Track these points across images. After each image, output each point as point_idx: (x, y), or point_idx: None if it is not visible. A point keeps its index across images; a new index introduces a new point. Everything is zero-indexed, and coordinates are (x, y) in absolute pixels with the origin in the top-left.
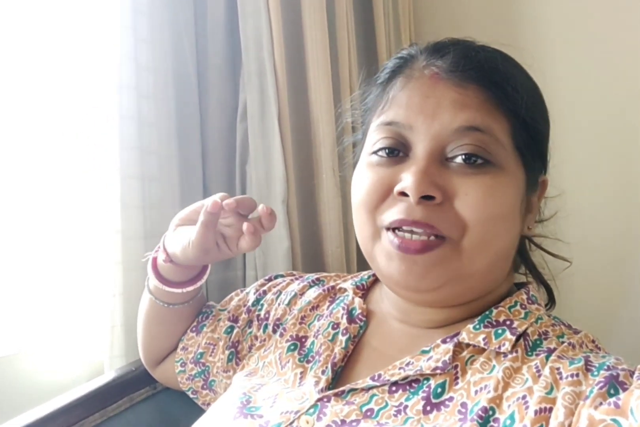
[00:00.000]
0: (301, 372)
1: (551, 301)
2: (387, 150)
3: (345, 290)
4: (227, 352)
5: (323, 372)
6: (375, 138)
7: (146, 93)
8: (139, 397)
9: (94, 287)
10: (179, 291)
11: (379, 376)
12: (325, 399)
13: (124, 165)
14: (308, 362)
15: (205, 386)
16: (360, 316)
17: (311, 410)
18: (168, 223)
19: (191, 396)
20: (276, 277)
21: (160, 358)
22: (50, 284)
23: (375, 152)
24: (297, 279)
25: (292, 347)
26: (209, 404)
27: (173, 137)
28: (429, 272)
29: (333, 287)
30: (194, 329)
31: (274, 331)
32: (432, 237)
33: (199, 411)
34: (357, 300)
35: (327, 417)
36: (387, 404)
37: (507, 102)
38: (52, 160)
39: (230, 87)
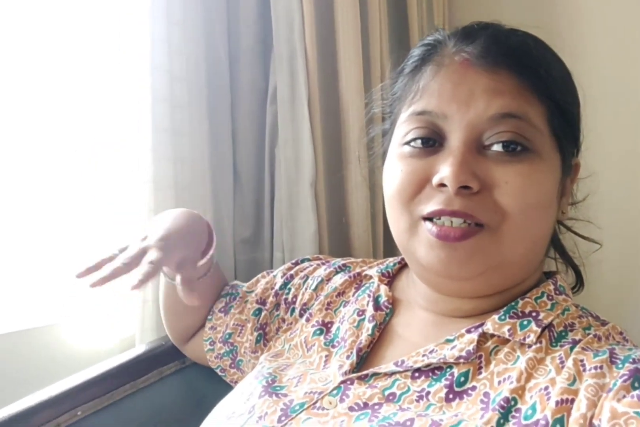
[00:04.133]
0: (326, 356)
1: (580, 284)
2: (422, 140)
3: (371, 277)
4: (255, 333)
5: (348, 357)
6: (407, 128)
7: (178, 76)
8: (168, 370)
9: None
10: None
11: (402, 362)
12: (348, 382)
13: (156, 147)
14: (333, 346)
15: (233, 365)
16: (386, 304)
17: (334, 391)
18: (199, 203)
19: (219, 373)
20: (302, 261)
21: (188, 336)
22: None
23: (407, 143)
24: (323, 264)
25: (317, 331)
26: (236, 382)
27: (204, 119)
28: (470, 259)
29: (359, 273)
30: (222, 309)
31: (301, 315)
32: (471, 225)
33: (225, 387)
34: (383, 287)
35: (349, 399)
36: (409, 389)
37: (542, 87)
38: (86, 141)
39: (261, 70)
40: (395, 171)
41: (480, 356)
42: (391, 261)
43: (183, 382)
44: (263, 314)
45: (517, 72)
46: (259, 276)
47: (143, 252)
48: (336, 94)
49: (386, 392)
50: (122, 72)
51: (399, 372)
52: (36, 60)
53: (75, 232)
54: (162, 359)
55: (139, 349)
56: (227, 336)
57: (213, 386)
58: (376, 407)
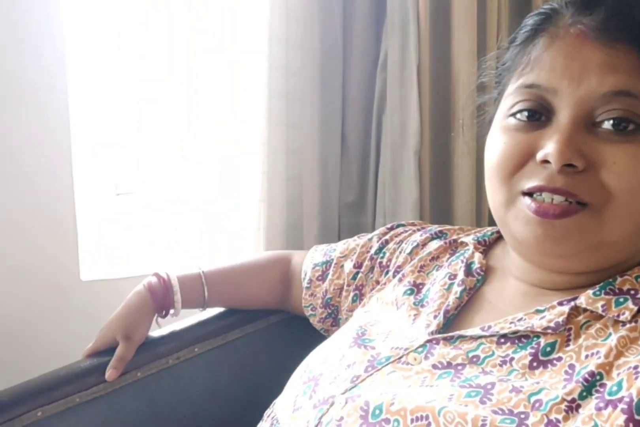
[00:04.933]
0: (415, 315)
1: None
2: (528, 113)
3: (467, 244)
4: (352, 294)
5: (435, 317)
6: (513, 100)
7: (294, 43)
8: (275, 319)
9: (240, 223)
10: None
11: (489, 327)
12: (434, 341)
13: (271, 113)
14: (422, 306)
15: (334, 324)
16: (478, 270)
17: (420, 349)
18: (308, 167)
19: (323, 333)
20: (397, 226)
21: (275, 306)
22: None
23: (513, 115)
24: (419, 230)
25: (408, 291)
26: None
27: (317, 85)
28: (566, 238)
29: (455, 240)
30: (319, 277)
31: (394, 276)
32: (572, 203)
33: (322, 338)
34: (477, 255)
35: (434, 357)
36: (493, 353)
37: None
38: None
39: (373, 38)
40: (498, 143)
41: (570, 329)
42: (489, 230)
43: (289, 329)
44: (359, 276)
45: (638, 48)
46: (350, 240)
47: None
48: (447, 61)
49: (470, 354)
50: (241, 41)
51: (485, 336)
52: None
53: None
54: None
55: None
56: (327, 300)
57: (317, 335)
58: (459, 367)
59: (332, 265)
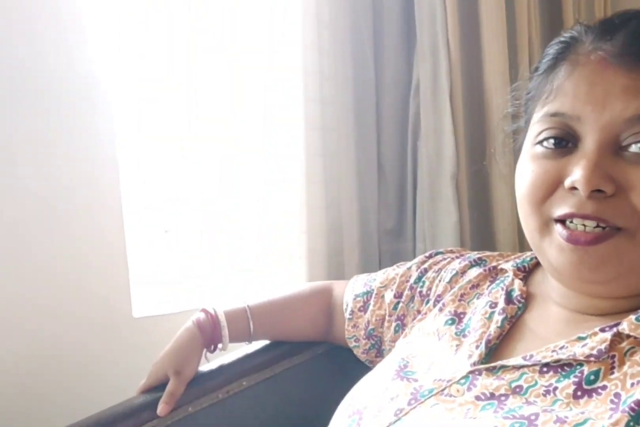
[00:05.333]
0: (457, 345)
1: None
2: (554, 141)
3: (506, 271)
4: (394, 324)
5: (477, 347)
6: (539, 129)
7: (328, 75)
8: (320, 350)
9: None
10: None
11: (531, 356)
12: (476, 372)
13: (308, 144)
14: (464, 336)
15: (378, 355)
16: (519, 298)
17: (462, 380)
18: (346, 195)
19: (368, 364)
20: (436, 254)
21: (319, 338)
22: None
23: (540, 143)
24: (457, 257)
25: (449, 321)
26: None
27: (351, 115)
28: (602, 264)
29: (494, 267)
30: (360, 308)
31: (434, 306)
32: (606, 228)
33: (367, 369)
34: (517, 282)
35: (476, 388)
36: (536, 383)
37: None
38: (242, 140)
39: (404, 65)
40: (527, 171)
41: (614, 356)
42: (528, 255)
43: (333, 361)
44: (400, 306)
45: None
46: (390, 269)
47: None
48: (479, 86)
49: (513, 384)
50: (276, 75)
51: (527, 366)
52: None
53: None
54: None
55: None
56: (370, 331)
57: (360, 367)
58: (502, 398)
59: (373, 295)
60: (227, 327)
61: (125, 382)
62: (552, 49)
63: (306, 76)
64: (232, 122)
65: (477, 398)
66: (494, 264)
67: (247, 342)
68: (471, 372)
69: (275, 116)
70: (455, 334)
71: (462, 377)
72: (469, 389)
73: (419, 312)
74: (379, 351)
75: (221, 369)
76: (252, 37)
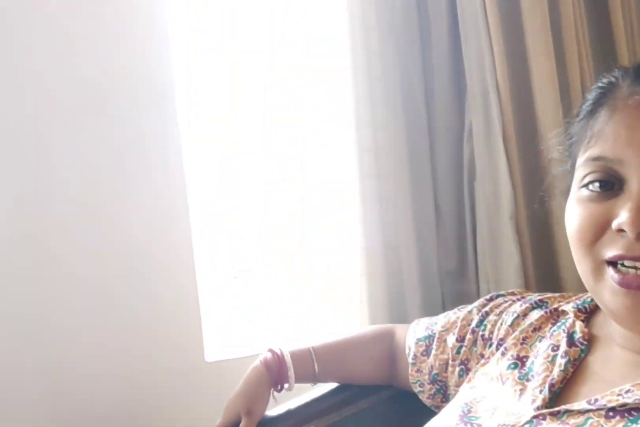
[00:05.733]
0: (520, 389)
1: None
2: (600, 184)
3: (567, 313)
4: (457, 369)
5: (540, 391)
6: (584, 172)
7: (381, 125)
8: (386, 394)
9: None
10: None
11: (596, 400)
12: (540, 417)
13: (364, 190)
14: (527, 380)
15: (444, 400)
16: (581, 340)
17: (526, 425)
18: (404, 239)
19: (434, 409)
20: (497, 296)
21: (384, 381)
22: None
23: (585, 186)
24: (519, 299)
25: (512, 365)
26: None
27: (405, 162)
28: None
29: (556, 309)
30: (423, 353)
31: (497, 349)
32: None
33: (434, 413)
34: (579, 324)
35: None
36: None
37: None
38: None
39: (456, 110)
40: (574, 215)
41: None
42: (588, 295)
43: (399, 406)
44: (463, 350)
45: None
46: (451, 313)
47: None
48: (532, 127)
49: None
50: (332, 127)
51: (592, 410)
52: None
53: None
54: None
55: None
56: (434, 376)
57: (428, 410)
58: None
59: (435, 339)
60: (292, 367)
61: (199, 423)
62: (591, 95)
63: (359, 127)
64: (292, 170)
65: None
66: (555, 305)
67: (312, 384)
68: (535, 417)
69: (333, 166)
70: (519, 378)
71: (526, 422)
72: None
73: (482, 356)
74: (444, 396)
75: (289, 412)
76: (305, 92)
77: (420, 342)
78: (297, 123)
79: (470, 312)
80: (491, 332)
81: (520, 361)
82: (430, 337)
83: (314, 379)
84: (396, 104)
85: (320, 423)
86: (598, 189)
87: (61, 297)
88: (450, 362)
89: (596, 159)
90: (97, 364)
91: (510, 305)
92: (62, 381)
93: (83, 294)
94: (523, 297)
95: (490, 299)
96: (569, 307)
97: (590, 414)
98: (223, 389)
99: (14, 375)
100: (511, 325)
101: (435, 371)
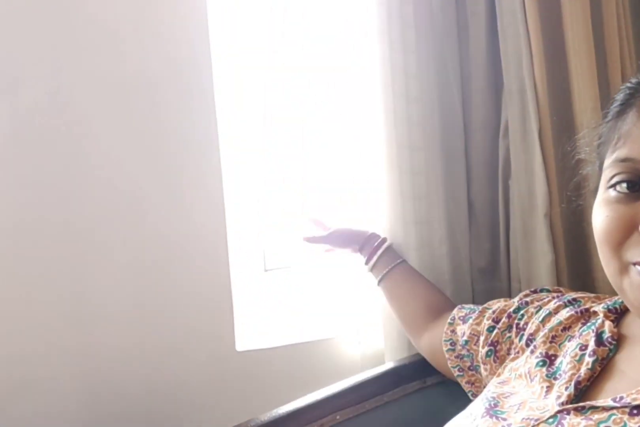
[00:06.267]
0: (547, 387)
1: None
2: (627, 185)
3: (598, 313)
4: (486, 348)
5: (566, 388)
6: (611, 173)
7: (416, 121)
8: (411, 388)
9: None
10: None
11: (621, 398)
12: (565, 412)
13: (401, 186)
14: (555, 379)
15: (471, 367)
16: (609, 339)
17: (550, 420)
18: (437, 236)
19: (457, 374)
20: (542, 290)
21: (417, 326)
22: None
23: (613, 187)
24: (557, 297)
25: (540, 363)
26: (472, 384)
27: (438, 159)
28: None
29: (587, 309)
30: (461, 318)
31: (527, 345)
32: None
33: (462, 407)
34: (608, 323)
35: None
36: (625, 425)
37: None
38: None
39: (492, 107)
40: (602, 216)
41: None
42: (619, 297)
43: (424, 400)
44: (495, 332)
45: None
46: (502, 299)
47: None
48: (570, 125)
49: (601, 426)
50: (366, 123)
51: (617, 407)
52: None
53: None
54: (405, 377)
55: (387, 365)
56: (464, 342)
57: (450, 405)
58: None
59: (476, 312)
60: (379, 255)
61: (228, 414)
62: (619, 95)
63: (396, 123)
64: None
65: None
66: (587, 306)
67: (377, 282)
68: (559, 411)
69: (368, 162)
70: (547, 376)
71: (551, 417)
72: None
73: (512, 343)
74: (472, 364)
75: (316, 403)
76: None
77: (463, 310)
78: (323, 121)
79: (512, 300)
80: (526, 324)
81: (549, 359)
82: (472, 310)
83: (380, 275)
84: (432, 100)
85: (345, 414)
86: (626, 190)
87: (101, 284)
88: (481, 337)
89: (624, 160)
90: (130, 349)
91: (549, 301)
92: (97, 365)
93: (120, 281)
94: (562, 295)
95: (535, 292)
96: (599, 308)
97: (614, 411)
98: (252, 377)
99: (53, 356)
100: (542, 321)
101: (465, 338)
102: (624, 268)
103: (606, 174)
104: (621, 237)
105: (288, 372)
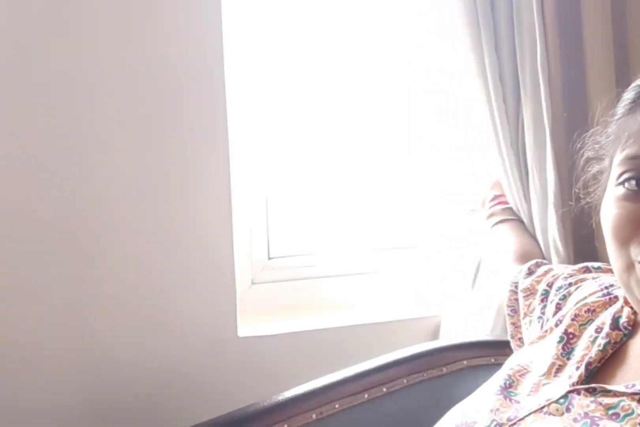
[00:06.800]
0: (559, 365)
1: None
2: (636, 182)
3: (619, 298)
4: (540, 305)
5: (577, 368)
6: (620, 170)
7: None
8: (413, 380)
9: None
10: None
11: (633, 385)
12: (575, 392)
13: None
14: (568, 359)
15: (518, 313)
16: (625, 324)
17: (561, 400)
18: None
19: (508, 314)
20: (594, 268)
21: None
22: None
23: (622, 184)
24: (597, 280)
25: (559, 339)
26: (511, 334)
27: None
28: None
29: (616, 296)
30: (533, 267)
31: (556, 326)
32: None
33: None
34: (627, 309)
35: (574, 409)
36: (633, 412)
37: None
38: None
39: (513, 103)
40: (610, 213)
41: None
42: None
43: (425, 393)
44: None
45: None
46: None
47: None
48: (584, 122)
49: (610, 411)
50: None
51: (627, 394)
52: None
53: None
54: (406, 368)
55: (387, 357)
56: (522, 291)
57: (448, 400)
58: (596, 419)
59: (546, 268)
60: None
61: (228, 398)
62: (629, 94)
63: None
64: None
65: (575, 420)
66: (616, 293)
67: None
68: (570, 392)
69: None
70: (562, 354)
71: (562, 397)
72: (567, 409)
73: (543, 313)
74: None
75: (316, 390)
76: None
77: (537, 261)
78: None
79: (562, 273)
80: (559, 303)
81: (567, 336)
82: (543, 265)
83: (502, 219)
84: None
85: (345, 403)
86: (635, 188)
87: (102, 271)
88: (536, 295)
89: (633, 157)
90: (132, 334)
91: (590, 284)
92: (99, 350)
93: (122, 269)
94: (600, 278)
95: (586, 270)
96: (620, 293)
97: (624, 397)
98: (253, 363)
99: (55, 342)
100: (576, 304)
101: (526, 285)
102: (630, 265)
103: (615, 171)
104: (629, 234)
105: (289, 360)
